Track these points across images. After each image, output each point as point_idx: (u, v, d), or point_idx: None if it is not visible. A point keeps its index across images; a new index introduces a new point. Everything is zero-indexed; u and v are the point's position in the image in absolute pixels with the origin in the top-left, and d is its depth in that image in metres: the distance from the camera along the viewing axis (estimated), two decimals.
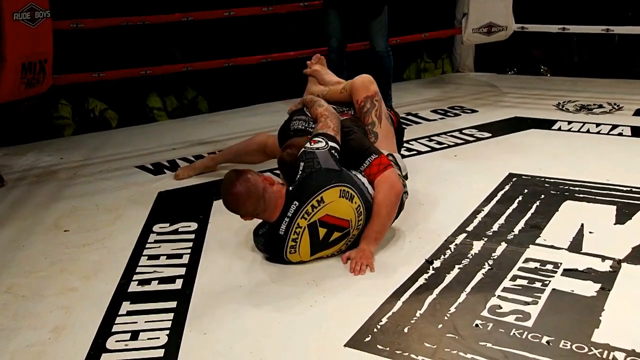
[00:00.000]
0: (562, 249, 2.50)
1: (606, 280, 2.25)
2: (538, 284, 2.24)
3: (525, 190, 3.10)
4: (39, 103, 4.35)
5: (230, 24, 4.71)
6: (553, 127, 4.19)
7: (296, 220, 2.37)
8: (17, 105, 3.97)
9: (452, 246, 2.58)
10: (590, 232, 2.62)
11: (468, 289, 2.25)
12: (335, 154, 2.50)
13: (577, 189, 3.08)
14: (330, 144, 2.51)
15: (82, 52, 4.51)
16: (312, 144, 2.50)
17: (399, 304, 2.18)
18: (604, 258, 2.40)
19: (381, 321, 2.07)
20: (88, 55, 4.56)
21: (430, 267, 2.42)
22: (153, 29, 4.59)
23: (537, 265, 2.38)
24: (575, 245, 2.52)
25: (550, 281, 2.26)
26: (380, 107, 2.91)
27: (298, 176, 2.41)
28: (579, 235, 2.60)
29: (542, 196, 3.02)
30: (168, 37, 4.93)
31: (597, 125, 4.17)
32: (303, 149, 2.49)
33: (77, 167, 3.80)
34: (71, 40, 4.24)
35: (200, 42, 4.97)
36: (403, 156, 3.69)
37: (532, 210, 2.87)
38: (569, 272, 2.31)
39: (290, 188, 2.40)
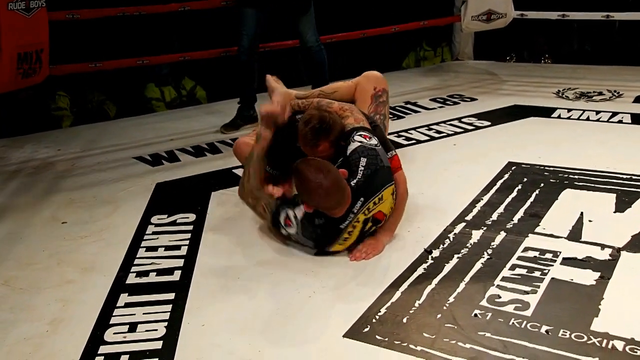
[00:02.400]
0: (561, 237, 2.49)
1: (605, 268, 2.24)
2: (537, 273, 2.24)
3: (525, 179, 3.08)
4: (35, 93, 4.33)
5: (227, 13, 4.67)
6: (553, 115, 4.17)
7: (357, 215, 2.39)
8: (14, 96, 3.95)
9: (451, 235, 2.57)
10: (589, 221, 2.61)
11: (467, 278, 2.24)
12: None
13: (576, 177, 3.07)
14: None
15: (79, 42, 4.48)
16: (367, 139, 2.47)
17: (398, 294, 2.17)
18: (603, 246, 2.39)
19: (380, 311, 2.07)
20: (85, 46, 4.54)
21: (429, 256, 2.41)
22: (150, 19, 4.56)
23: (537, 254, 2.37)
24: (575, 234, 2.51)
25: (549, 270, 2.25)
26: (389, 105, 3.04)
27: (361, 171, 2.39)
28: (579, 223, 2.59)
29: (542, 185, 3.01)
30: (165, 27, 4.90)
31: (597, 112, 4.15)
32: (361, 144, 2.44)
33: (74, 158, 3.79)
34: (68, 31, 4.22)
35: (197, 31, 4.94)
36: (402, 145, 3.69)
37: (531, 199, 2.85)
38: (568, 261, 2.30)
39: (353, 183, 2.37)
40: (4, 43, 3.25)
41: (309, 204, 2.34)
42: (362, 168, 2.39)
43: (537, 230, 2.56)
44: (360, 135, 2.49)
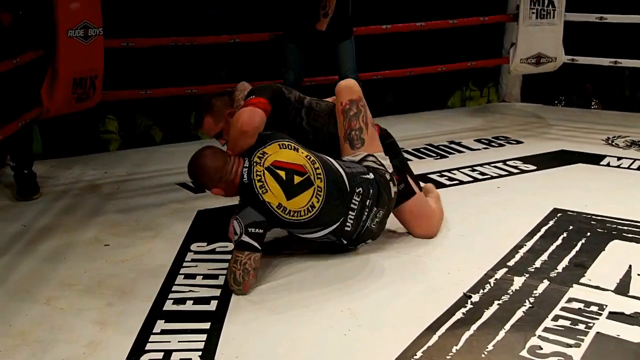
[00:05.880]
0: (608, 290, 2.41)
1: None
2: (581, 326, 2.16)
3: (570, 227, 3.01)
4: (88, 117, 4.45)
5: (275, 46, 4.75)
6: (601, 163, 4.08)
7: (254, 168, 2.53)
8: (67, 119, 4.06)
9: (491, 281, 2.51)
10: (638, 275, 2.52)
11: (507, 326, 2.18)
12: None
13: (625, 228, 2.98)
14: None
15: (129, 69, 4.60)
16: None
17: (435, 338, 2.13)
18: None
19: (415, 355, 2.03)
20: (135, 73, 4.65)
21: (469, 301, 2.36)
22: (200, 49, 4.66)
23: (581, 305, 2.30)
24: (622, 288, 2.42)
25: (594, 324, 2.17)
26: (366, 113, 2.83)
27: None
28: (627, 277, 2.50)
29: (588, 234, 2.93)
30: (215, 58, 5.00)
31: None
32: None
33: (120, 181, 3.86)
34: (119, 57, 4.34)
35: (246, 62, 5.02)
36: (444, 185, 3.66)
37: (576, 248, 2.78)
38: (615, 316, 2.22)
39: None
40: (61, 68, 3.38)
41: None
42: None
43: (582, 281, 2.49)
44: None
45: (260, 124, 2.64)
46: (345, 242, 2.69)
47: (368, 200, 2.64)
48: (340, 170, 2.64)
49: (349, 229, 2.64)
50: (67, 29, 3.34)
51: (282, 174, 2.53)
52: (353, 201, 2.62)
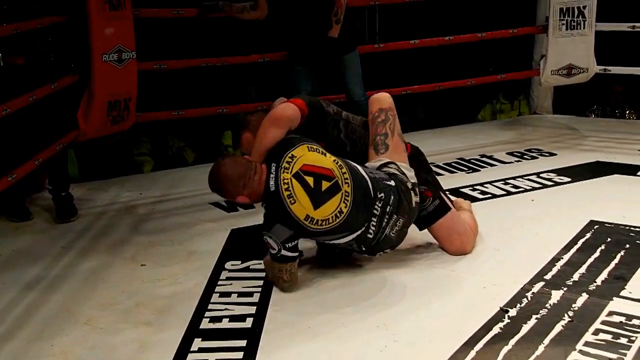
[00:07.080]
0: None
1: None
2: (624, 340, 2.12)
3: (608, 239, 2.95)
4: (122, 140, 4.54)
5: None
6: (638, 173, 4.00)
7: (280, 175, 2.50)
8: (102, 141, 4.14)
9: (529, 295, 2.48)
10: None
11: (546, 341, 2.15)
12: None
13: None
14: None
15: (161, 90, 4.67)
16: None
17: (473, 353, 2.10)
18: None
19: None
20: (167, 94, 4.73)
21: (506, 315, 2.33)
22: (230, 69, 4.72)
23: (623, 319, 2.25)
24: None
25: (637, 337, 2.13)
26: (394, 122, 2.83)
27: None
28: None
29: (627, 246, 2.87)
30: (245, 77, 5.06)
31: None
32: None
33: (154, 202, 3.92)
34: (151, 79, 4.42)
35: (275, 82, 5.08)
36: (477, 199, 3.63)
37: (615, 261, 2.73)
38: None
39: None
40: (96, 92, 3.46)
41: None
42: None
43: (622, 294, 2.44)
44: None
45: (293, 117, 2.64)
46: (364, 249, 2.67)
47: (388, 207, 2.63)
48: (365, 175, 2.65)
49: (370, 235, 2.63)
50: (102, 53, 3.43)
51: (310, 180, 2.52)
52: (375, 207, 2.62)
